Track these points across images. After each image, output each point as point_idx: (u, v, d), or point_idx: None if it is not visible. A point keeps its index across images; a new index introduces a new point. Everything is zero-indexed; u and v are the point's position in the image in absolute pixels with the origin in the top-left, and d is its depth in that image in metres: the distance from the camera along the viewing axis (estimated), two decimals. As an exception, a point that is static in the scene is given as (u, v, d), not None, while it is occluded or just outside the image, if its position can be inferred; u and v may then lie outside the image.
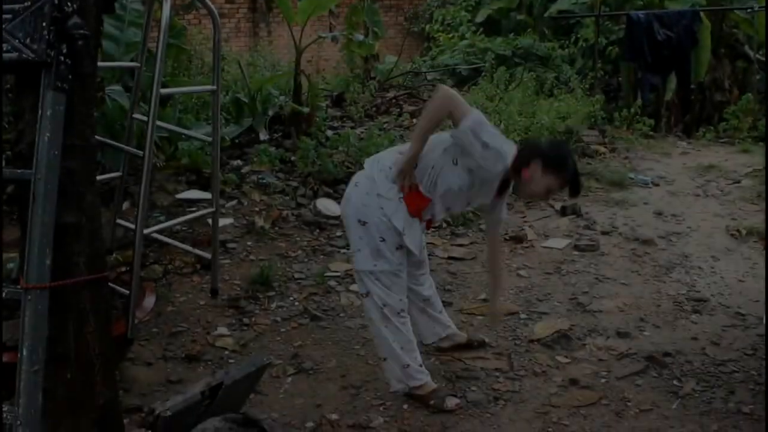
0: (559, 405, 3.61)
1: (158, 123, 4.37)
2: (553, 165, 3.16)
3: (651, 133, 9.05)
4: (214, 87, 3.92)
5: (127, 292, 3.46)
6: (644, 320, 4.51)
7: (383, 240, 3.30)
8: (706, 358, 4.06)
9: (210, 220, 4.88)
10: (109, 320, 2.74)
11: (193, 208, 6.31)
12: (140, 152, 3.55)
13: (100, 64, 3.34)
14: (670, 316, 4.58)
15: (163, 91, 3.72)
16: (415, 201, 3.27)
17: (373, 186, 3.29)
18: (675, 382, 3.81)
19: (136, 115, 4.06)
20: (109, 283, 3.36)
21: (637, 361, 4.01)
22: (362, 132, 7.84)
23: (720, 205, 6.74)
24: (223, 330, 4.47)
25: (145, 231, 3.64)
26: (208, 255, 4.57)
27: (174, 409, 2.39)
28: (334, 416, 3.56)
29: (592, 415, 3.53)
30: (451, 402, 3.59)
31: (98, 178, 4.15)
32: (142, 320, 4.34)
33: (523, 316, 4.58)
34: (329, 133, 7.94)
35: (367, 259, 3.35)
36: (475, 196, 3.42)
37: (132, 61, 5.99)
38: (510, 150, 3.18)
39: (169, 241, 4.61)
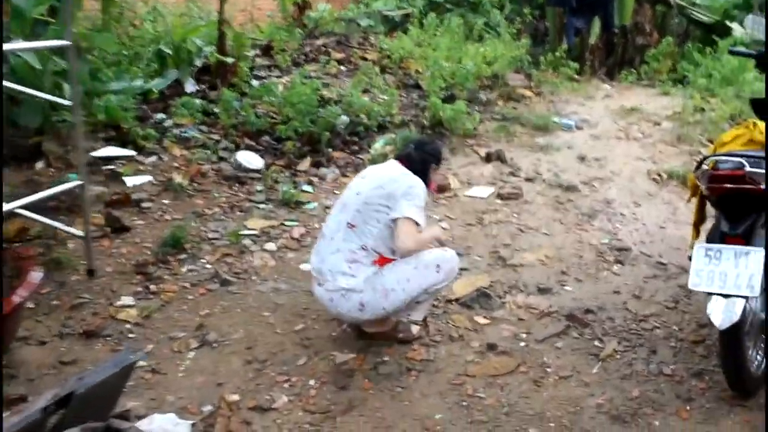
0: (475, 374, 3.12)
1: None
2: (440, 159, 3.47)
3: (576, 76, 8.47)
4: (68, 42, 3.17)
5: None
6: (566, 273, 4.03)
7: (392, 290, 3.15)
8: (627, 314, 3.61)
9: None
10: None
11: (111, 166, 5.59)
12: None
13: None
14: (592, 267, 4.11)
15: (7, 47, 2.97)
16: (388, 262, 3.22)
17: (348, 290, 3.14)
18: (596, 342, 3.35)
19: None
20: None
21: (558, 321, 3.53)
22: (288, 81, 7.10)
23: (641, 148, 6.27)
24: (127, 300, 3.83)
25: (5, 207, 2.93)
26: (79, 232, 3.89)
27: (-1, 436, 1.79)
28: (234, 396, 3.01)
29: (509, 384, 3.05)
30: (416, 329, 3.37)
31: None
32: (34, 295, 3.69)
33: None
34: (255, 83, 7.16)
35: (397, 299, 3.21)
36: None
37: (42, 16, 5.30)
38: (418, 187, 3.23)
39: (32, 215, 3.86)
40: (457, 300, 3.73)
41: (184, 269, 4.17)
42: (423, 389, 3.03)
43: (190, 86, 7.36)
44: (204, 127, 6.34)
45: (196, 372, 3.22)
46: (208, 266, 4.20)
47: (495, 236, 4.54)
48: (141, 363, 3.30)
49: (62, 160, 5.59)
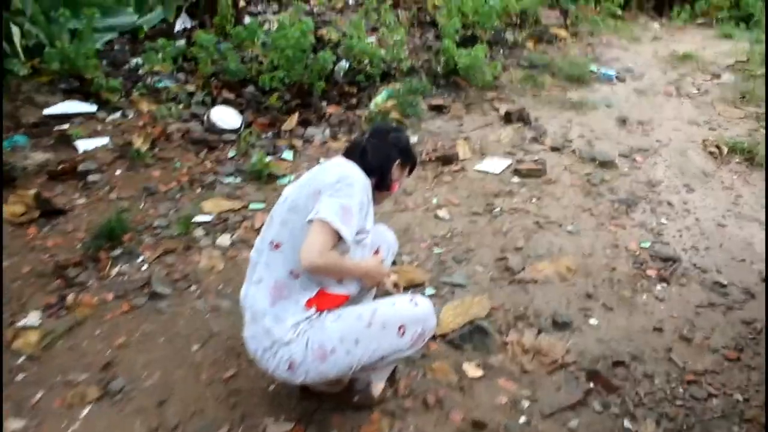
0: (450, 476, 2.10)
1: None
2: (407, 153, 2.33)
3: (620, 13, 7.02)
4: None
5: None
6: (592, 297, 2.93)
7: (332, 351, 2.05)
8: (672, 368, 2.51)
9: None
10: None
11: (65, 126, 4.59)
12: None
13: None
14: (627, 287, 2.99)
15: None
16: (335, 302, 2.13)
17: (272, 340, 2.06)
18: (626, 421, 2.28)
19: None
20: None
21: (575, 380, 2.46)
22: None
23: (696, 108, 4.94)
24: (33, 317, 2.91)
25: None
26: None
27: None
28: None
29: (495, 499, 2.03)
30: (378, 389, 2.36)
31: None
32: None
33: (428, 290, 2.99)
34: (249, 20, 5.98)
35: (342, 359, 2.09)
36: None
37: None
38: (357, 176, 2.10)
39: None
40: (443, 336, 2.68)
41: (114, 271, 3.21)
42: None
43: (180, 23, 6.26)
44: (182, 75, 5.27)
45: (81, 445, 2.29)
46: (144, 267, 3.23)
47: (505, 233, 3.42)
48: (18, 425, 2.39)
49: (11, 118, 4.61)
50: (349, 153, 2.25)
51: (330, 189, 1.99)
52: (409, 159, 2.33)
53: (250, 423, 2.32)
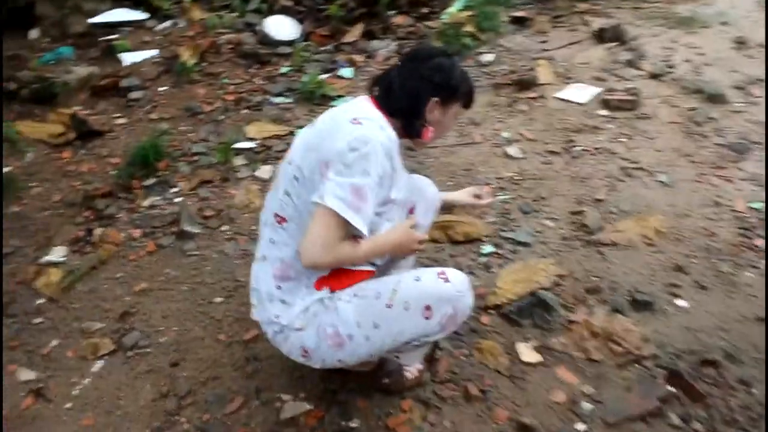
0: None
1: None
2: (449, 87, 1.73)
3: None
4: None
5: None
6: (683, 270, 2.41)
7: (350, 337, 1.69)
8: (777, 374, 2.02)
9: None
10: None
11: (114, 35, 4.28)
12: None
13: None
14: (727, 260, 2.44)
15: None
16: (355, 279, 1.73)
17: (281, 325, 1.73)
18: (711, 441, 1.84)
19: None
20: None
21: (651, 380, 2.01)
22: None
23: (838, 27, 4.06)
24: (59, 252, 2.74)
25: None
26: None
27: None
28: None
29: None
30: (413, 371, 1.99)
31: None
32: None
33: (486, 247, 2.55)
34: None
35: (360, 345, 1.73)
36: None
37: None
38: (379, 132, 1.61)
39: None
40: (496, 308, 2.27)
41: (146, 203, 2.97)
42: None
43: None
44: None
45: (87, 406, 2.09)
46: (177, 200, 2.95)
47: (585, 180, 2.89)
48: (29, 376, 2.22)
49: (58, 27, 4.34)
50: (374, 88, 1.77)
51: (339, 163, 1.55)
52: (453, 95, 1.75)
53: (266, 397, 2.04)
